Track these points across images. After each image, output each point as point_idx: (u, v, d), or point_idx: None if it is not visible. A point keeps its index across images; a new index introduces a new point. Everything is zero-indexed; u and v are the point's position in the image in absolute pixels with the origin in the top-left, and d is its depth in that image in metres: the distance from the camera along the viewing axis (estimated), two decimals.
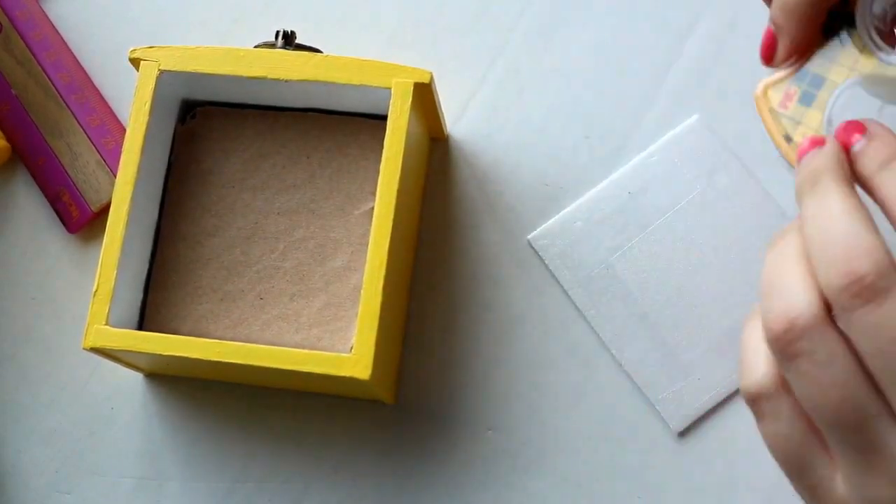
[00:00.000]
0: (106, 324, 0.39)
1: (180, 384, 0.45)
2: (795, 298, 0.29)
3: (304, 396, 0.44)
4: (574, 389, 0.43)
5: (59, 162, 0.47)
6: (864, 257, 0.28)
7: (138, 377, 0.45)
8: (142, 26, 0.49)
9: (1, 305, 0.47)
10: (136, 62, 0.42)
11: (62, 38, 0.49)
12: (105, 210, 0.46)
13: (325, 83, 0.40)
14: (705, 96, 0.46)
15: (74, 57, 0.49)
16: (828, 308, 0.29)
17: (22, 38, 0.48)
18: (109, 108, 0.48)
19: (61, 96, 0.47)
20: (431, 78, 0.40)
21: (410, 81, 0.40)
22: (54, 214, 0.47)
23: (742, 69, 0.46)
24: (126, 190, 0.40)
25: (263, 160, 0.44)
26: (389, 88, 0.40)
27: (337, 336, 0.41)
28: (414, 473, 0.43)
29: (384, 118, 0.40)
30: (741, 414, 0.42)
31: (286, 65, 0.41)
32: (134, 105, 0.41)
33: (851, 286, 0.27)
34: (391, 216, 0.39)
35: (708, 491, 0.42)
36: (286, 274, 0.42)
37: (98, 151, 0.47)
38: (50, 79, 0.48)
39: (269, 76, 0.41)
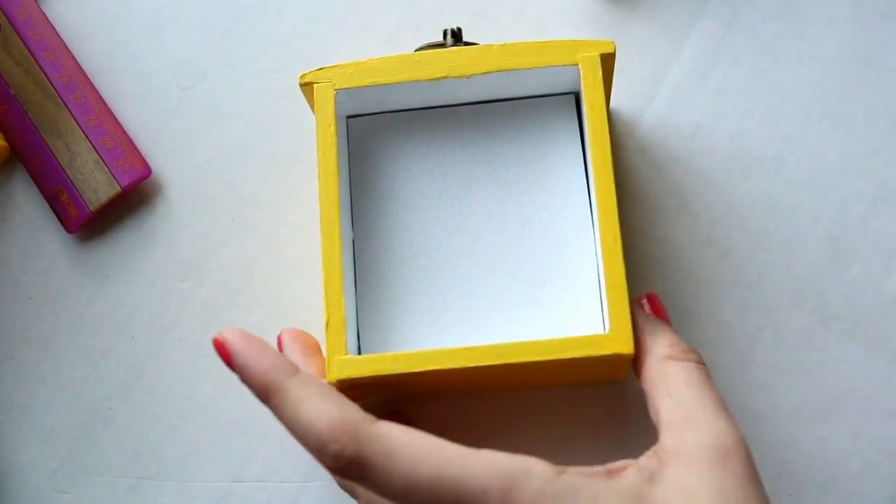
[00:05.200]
0: (346, 353, 0.37)
1: None
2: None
3: None
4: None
5: (58, 162, 0.47)
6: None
7: (130, 377, 0.45)
8: (140, 26, 0.49)
9: None
10: (308, 87, 0.40)
11: (60, 38, 0.49)
12: (103, 210, 0.46)
13: (507, 72, 0.40)
14: (703, 96, 0.46)
15: (73, 57, 0.49)
16: None
17: (20, 37, 0.48)
18: (108, 107, 0.48)
19: (60, 96, 0.47)
20: (614, 47, 0.39)
21: (596, 54, 0.39)
22: (52, 214, 0.47)
23: (739, 67, 0.46)
24: (333, 214, 0.38)
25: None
26: (574, 65, 0.39)
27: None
28: None
29: (562, 94, 0.41)
30: None
31: (465, 60, 0.40)
32: (318, 130, 0.39)
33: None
34: (612, 184, 0.37)
35: None
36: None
37: (96, 151, 0.46)
38: (48, 78, 0.48)
39: (451, 75, 0.40)
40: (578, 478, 0.31)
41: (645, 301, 0.39)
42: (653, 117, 0.46)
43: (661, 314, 0.39)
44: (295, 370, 0.33)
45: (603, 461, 0.33)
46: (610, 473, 0.32)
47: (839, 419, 0.42)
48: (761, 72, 0.46)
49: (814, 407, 0.42)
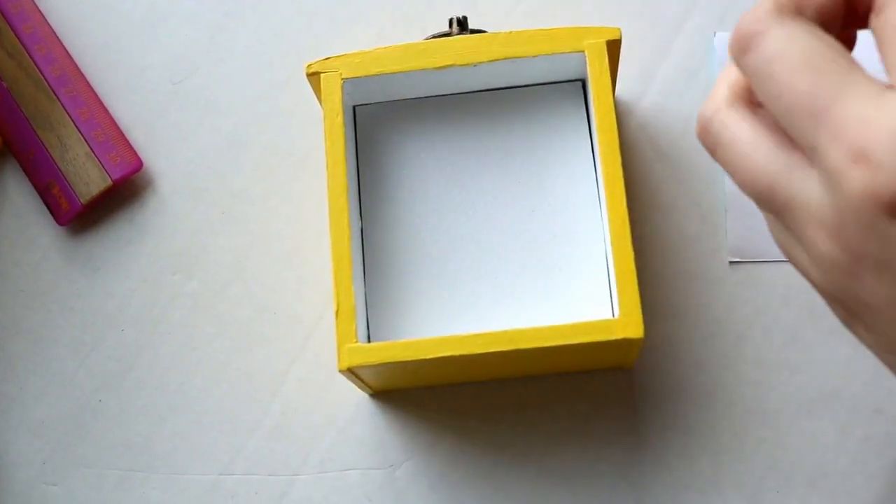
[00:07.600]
0: (356, 341, 0.37)
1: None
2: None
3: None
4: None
5: (49, 154, 0.47)
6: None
7: (120, 369, 0.45)
8: (133, 19, 0.49)
9: None
10: (314, 76, 0.40)
11: (53, 31, 0.49)
12: (94, 203, 0.46)
13: (513, 59, 0.40)
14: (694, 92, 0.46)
15: (65, 49, 0.49)
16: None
17: (13, 30, 0.48)
18: (100, 100, 0.48)
19: (52, 89, 0.47)
20: (620, 34, 0.39)
21: (602, 41, 0.39)
22: (44, 207, 0.47)
23: None
24: (341, 203, 0.38)
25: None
26: (581, 52, 0.39)
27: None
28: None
29: (569, 82, 0.41)
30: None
31: (472, 48, 0.40)
32: (326, 120, 0.39)
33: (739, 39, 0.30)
34: (619, 169, 0.38)
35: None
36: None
37: (88, 144, 0.47)
38: (41, 71, 0.48)
39: (458, 63, 0.40)
40: None
41: None
42: (643, 114, 0.46)
43: None
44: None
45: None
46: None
47: (827, 416, 0.42)
48: None
49: (801, 404, 0.42)
